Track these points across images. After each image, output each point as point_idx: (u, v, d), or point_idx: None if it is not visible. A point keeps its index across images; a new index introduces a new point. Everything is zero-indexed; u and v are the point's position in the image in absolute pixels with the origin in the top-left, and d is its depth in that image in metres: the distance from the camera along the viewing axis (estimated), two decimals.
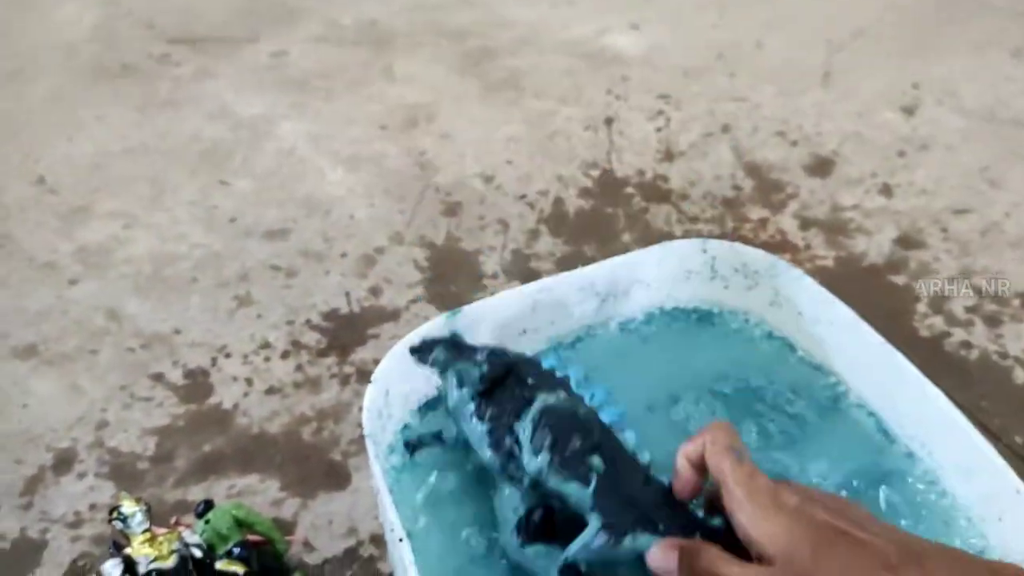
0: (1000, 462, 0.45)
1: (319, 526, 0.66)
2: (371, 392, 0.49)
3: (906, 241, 0.92)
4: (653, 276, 0.61)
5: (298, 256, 0.95)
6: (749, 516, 0.36)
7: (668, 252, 0.59)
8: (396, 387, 0.52)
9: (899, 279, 0.88)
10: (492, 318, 0.57)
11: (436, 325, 0.54)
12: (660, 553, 0.38)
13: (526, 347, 0.59)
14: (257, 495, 0.69)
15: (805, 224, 0.96)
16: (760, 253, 0.58)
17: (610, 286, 0.59)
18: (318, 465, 0.71)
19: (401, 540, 0.41)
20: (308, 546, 0.64)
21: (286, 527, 0.66)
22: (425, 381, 0.55)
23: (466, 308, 0.55)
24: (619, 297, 0.61)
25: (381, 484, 0.44)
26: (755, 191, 1.01)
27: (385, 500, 0.43)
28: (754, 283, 0.59)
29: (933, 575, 0.33)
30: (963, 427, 0.47)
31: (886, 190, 1.00)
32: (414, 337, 0.53)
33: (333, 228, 0.99)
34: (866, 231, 0.94)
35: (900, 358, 0.50)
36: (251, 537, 0.60)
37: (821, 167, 1.04)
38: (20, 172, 1.08)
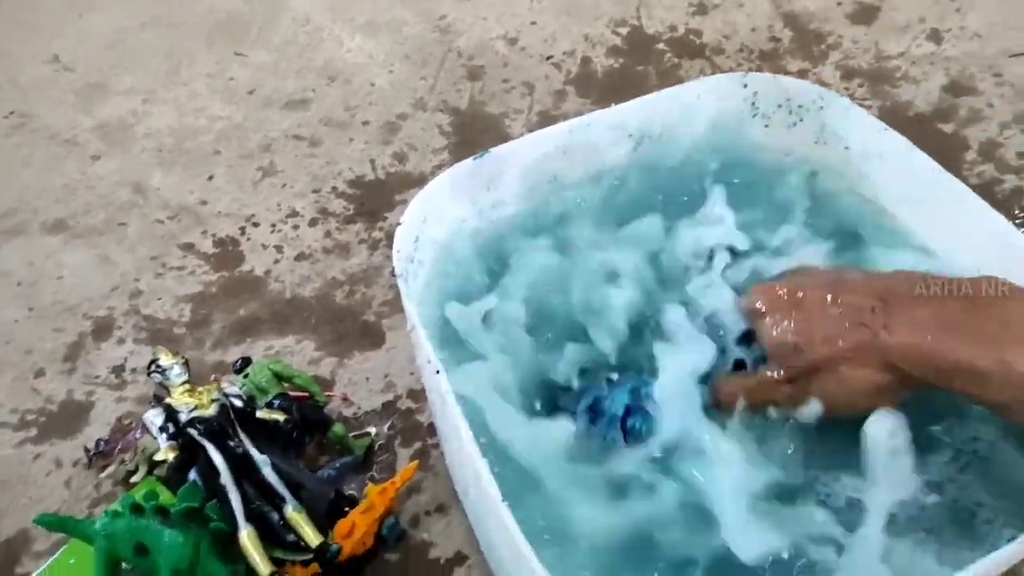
0: None
1: (356, 383, 0.67)
2: (400, 234, 0.48)
3: (956, 88, 0.87)
4: (689, 117, 0.58)
5: (320, 125, 0.92)
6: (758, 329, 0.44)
7: (706, 87, 0.56)
8: (425, 231, 0.51)
9: (948, 127, 0.84)
10: (520, 161, 0.55)
11: (464, 167, 0.53)
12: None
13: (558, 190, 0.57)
14: (294, 355, 0.69)
15: (848, 74, 0.91)
16: (806, 84, 0.55)
17: (644, 127, 0.57)
18: (352, 326, 0.71)
19: (438, 372, 0.41)
20: (347, 401, 0.65)
21: (324, 384, 0.66)
22: (454, 228, 0.54)
23: (493, 150, 0.53)
24: (653, 140, 0.58)
25: (415, 320, 0.43)
26: (794, 42, 0.96)
27: (420, 335, 0.42)
28: (798, 119, 0.56)
29: (896, 310, 0.39)
30: None
31: (935, 36, 0.94)
32: (444, 179, 0.52)
33: (354, 96, 0.96)
34: (913, 79, 0.89)
35: (959, 185, 0.48)
36: (291, 392, 0.61)
37: (865, 14, 0.98)
38: (34, 51, 1.05)
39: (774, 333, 0.43)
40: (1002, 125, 0.83)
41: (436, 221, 0.52)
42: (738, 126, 0.58)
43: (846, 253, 0.50)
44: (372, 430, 0.63)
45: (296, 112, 0.94)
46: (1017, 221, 0.67)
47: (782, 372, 0.42)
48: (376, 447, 0.62)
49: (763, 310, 0.44)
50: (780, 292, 0.44)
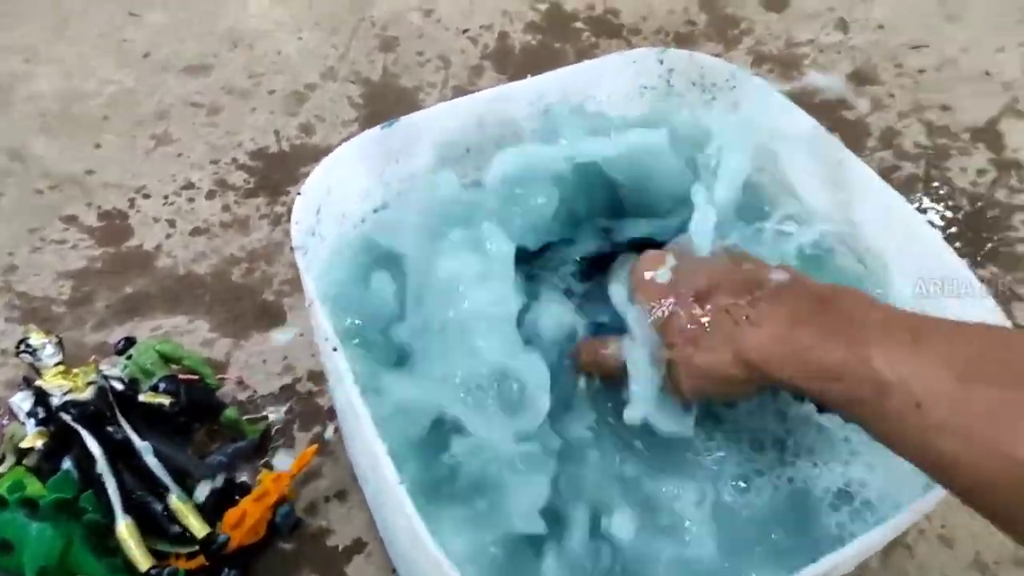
0: (966, 273, 0.43)
1: (253, 365, 0.63)
2: (300, 204, 0.45)
3: (860, 76, 0.89)
4: (606, 91, 0.56)
5: (221, 93, 0.87)
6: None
7: (624, 61, 0.55)
8: (329, 203, 0.48)
9: (851, 114, 0.85)
10: (432, 133, 0.52)
11: (372, 136, 0.50)
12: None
13: (471, 167, 0.55)
14: (185, 336, 0.65)
15: (759, 59, 0.92)
16: (720, 62, 0.54)
17: (561, 101, 0.55)
18: (250, 305, 0.67)
19: (335, 350, 0.38)
20: (242, 384, 0.61)
21: (218, 367, 0.62)
22: (359, 198, 0.51)
23: (404, 118, 0.51)
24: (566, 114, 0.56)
25: (313, 295, 0.40)
26: (709, 26, 0.96)
27: (318, 310, 0.40)
28: (711, 97, 0.56)
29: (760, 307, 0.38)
30: (930, 237, 0.45)
31: (842, 25, 0.96)
32: (350, 148, 0.49)
33: (259, 63, 0.91)
34: (820, 66, 0.91)
35: (862, 166, 0.48)
36: (180, 375, 0.57)
37: (778, 1, 0.99)
38: None
39: (646, 314, 0.42)
40: (901, 114, 0.85)
41: (341, 194, 0.49)
42: (654, 102, 0.57)
43: (750, 227, 0.49)
44: (269, 414, 0.59)
45: (195, 78, 0.89)
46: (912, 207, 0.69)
47: None
48: (273, 432, 0.59)
49: (644, 278, 0.43)
50: (654, 273, 0.43)
